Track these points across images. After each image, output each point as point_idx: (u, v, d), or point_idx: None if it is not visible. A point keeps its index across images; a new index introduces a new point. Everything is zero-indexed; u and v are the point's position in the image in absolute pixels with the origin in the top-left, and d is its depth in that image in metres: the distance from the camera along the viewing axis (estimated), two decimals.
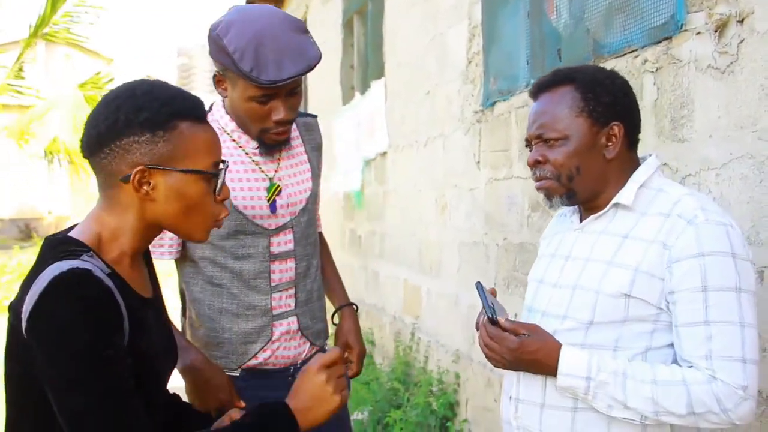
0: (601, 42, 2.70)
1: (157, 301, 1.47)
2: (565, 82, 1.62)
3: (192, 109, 1.37)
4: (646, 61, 2.43)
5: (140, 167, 1.31)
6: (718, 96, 2.11)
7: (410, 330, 5.24)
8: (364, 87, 6.62)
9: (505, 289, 3.61)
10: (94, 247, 1.32)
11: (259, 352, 2.05)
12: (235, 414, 1.55)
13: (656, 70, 2.38)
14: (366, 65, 6.74)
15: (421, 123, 4.98)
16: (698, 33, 2.17)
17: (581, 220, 1.69)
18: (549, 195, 1.64)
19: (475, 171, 4.04)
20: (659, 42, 2.36)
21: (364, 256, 6.61)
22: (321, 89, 8.83)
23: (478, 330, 1.63)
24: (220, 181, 1.39)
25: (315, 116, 2.30)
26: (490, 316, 1.56)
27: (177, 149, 1.33)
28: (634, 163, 1.64)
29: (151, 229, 1.39)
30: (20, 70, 8.51)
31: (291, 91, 1.95)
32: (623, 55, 2.55)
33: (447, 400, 4.34)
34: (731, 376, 1.43)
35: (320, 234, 2.32)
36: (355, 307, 2.27)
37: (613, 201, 1.61)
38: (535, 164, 1.64)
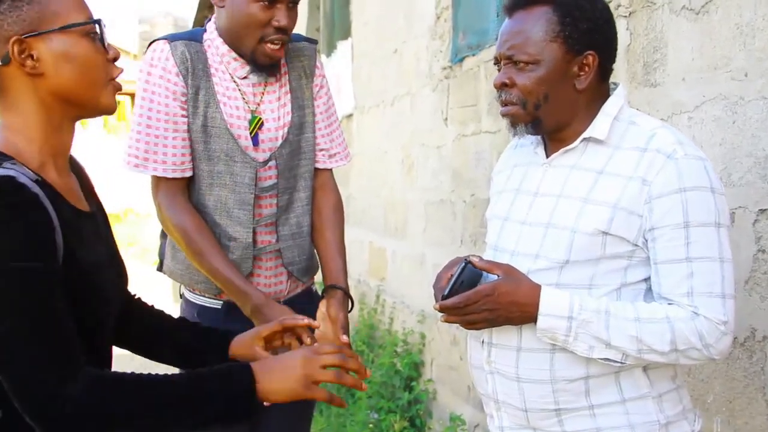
0: None
1: (96, 215, 1.37)
2: (543, 1, 1.53)
3: None
4: (619, 5, 2.39)
5: (14, 38, 1.20)
6: (691, 38, 2.07)
7: (375, 293, 5.21)
8: (330, 49, 6.51)
9: (472, 246, 3.58)
10: (15, 155, 1.22)
11: None
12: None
13: (629, 14, 2.34)
14: (332, 26, 6.62)
15: (389, 82, 4.91)
16: None
17: (547, 154, 1.61)
18: (514, 122, 1.55)
19: (442, 128, 3.99)
20: None
21: None
22: None
23: (442, 312, 1.49)
24: (105, 37, 1.28)
25: (314, 42, 2.22)
26: (445, 294, 1.46)
27: (45, 9, 1.23)
28: (603, 96, 1.56)
29: (57, 114, 1.27)
30: None
31: (292, 2, 1.96)
32: None
33: (412, 360, 4.33)
34: (713, 312, 1.42)
35: (338, 201, 2.19)
36: (350, 299, 2.06)
37: (585, 134, 1.53)
38: (501, 86, 1.55)
